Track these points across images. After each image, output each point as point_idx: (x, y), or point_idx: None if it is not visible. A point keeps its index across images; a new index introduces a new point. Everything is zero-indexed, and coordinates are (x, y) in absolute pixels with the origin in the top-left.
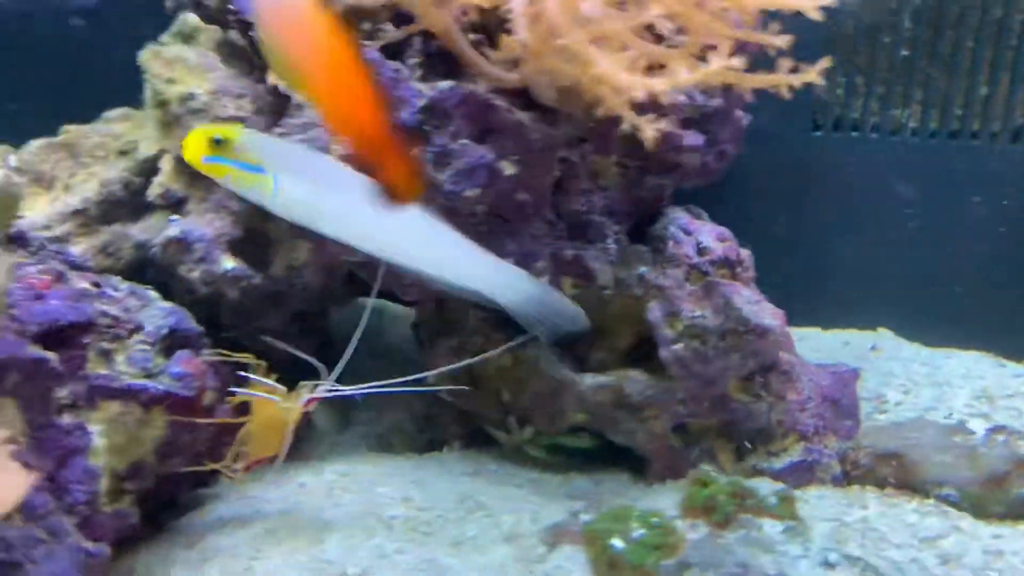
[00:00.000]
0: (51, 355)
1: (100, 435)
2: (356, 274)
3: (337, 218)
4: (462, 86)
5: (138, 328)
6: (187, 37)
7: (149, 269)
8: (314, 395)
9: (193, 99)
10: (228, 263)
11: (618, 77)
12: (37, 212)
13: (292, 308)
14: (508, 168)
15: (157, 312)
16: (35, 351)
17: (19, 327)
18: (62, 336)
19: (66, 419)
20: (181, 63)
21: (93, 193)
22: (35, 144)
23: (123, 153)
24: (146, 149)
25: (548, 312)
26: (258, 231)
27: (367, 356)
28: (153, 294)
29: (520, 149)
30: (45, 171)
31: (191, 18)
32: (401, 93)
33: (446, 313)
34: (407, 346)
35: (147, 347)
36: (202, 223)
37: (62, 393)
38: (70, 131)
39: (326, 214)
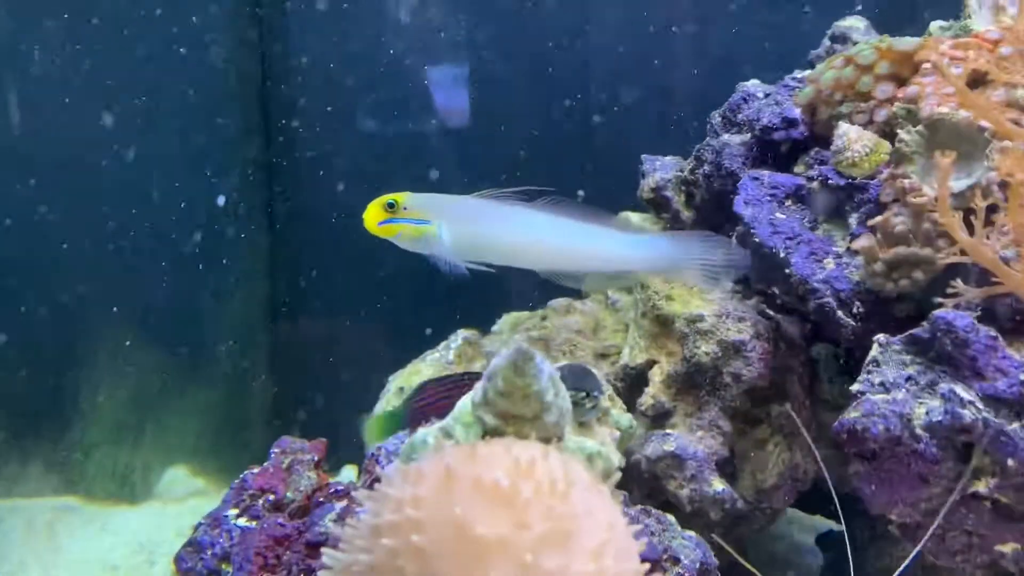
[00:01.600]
0: None
1: None
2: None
3: (494, 247)
4: None
5: (675, 559)
6: None
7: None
8: None
9: (702, 320)
10: (718, 485)
11: None
12: None
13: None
14: None
15: (687, 542)
16: None
17: None
18: None
19: None
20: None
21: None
22: (519, 338)
23: (602, 356)
24: (631, 357)
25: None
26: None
27: None
28: (670, 517)
29: None
30: None
31: (633, 217)
32: (996, 362)
33: None
34: None
35: None
36: (693, 440)
37: None
38: (547, 326)
39: (483, 246)
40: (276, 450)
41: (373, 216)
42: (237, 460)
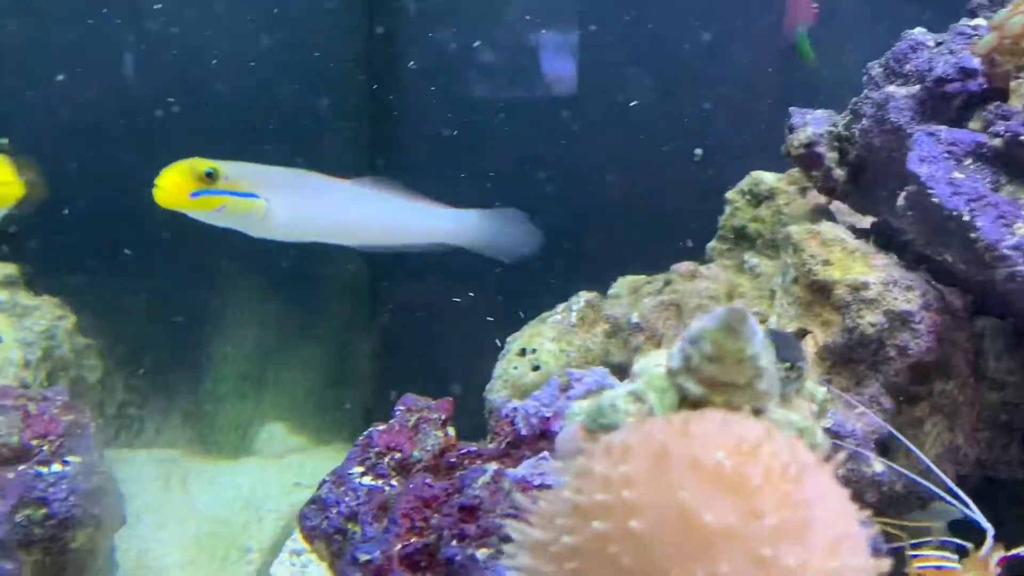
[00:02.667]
0: None
1: None
2: None
3: (323, 224)
4: None
5: None
6: (759, 198)
7: None
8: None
9: (867, 288)
10: (877, 466)
11: None
12: None
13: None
14: None
15: None
16: None
17: None
18: None
19: None
20: (839, 245)
21: None
22: (649, 302)
23: None
24: (780, 326)
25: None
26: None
27: None
28: None
29: None
30: (657, 327)
31: (766, 177)
32: None
33: None
34: None
35: None
36: (852, 417)
37: None
38: (677, 290)
39: (313, 224)
40: (401, 407)
41: (181, 185)
42: (336, 419)
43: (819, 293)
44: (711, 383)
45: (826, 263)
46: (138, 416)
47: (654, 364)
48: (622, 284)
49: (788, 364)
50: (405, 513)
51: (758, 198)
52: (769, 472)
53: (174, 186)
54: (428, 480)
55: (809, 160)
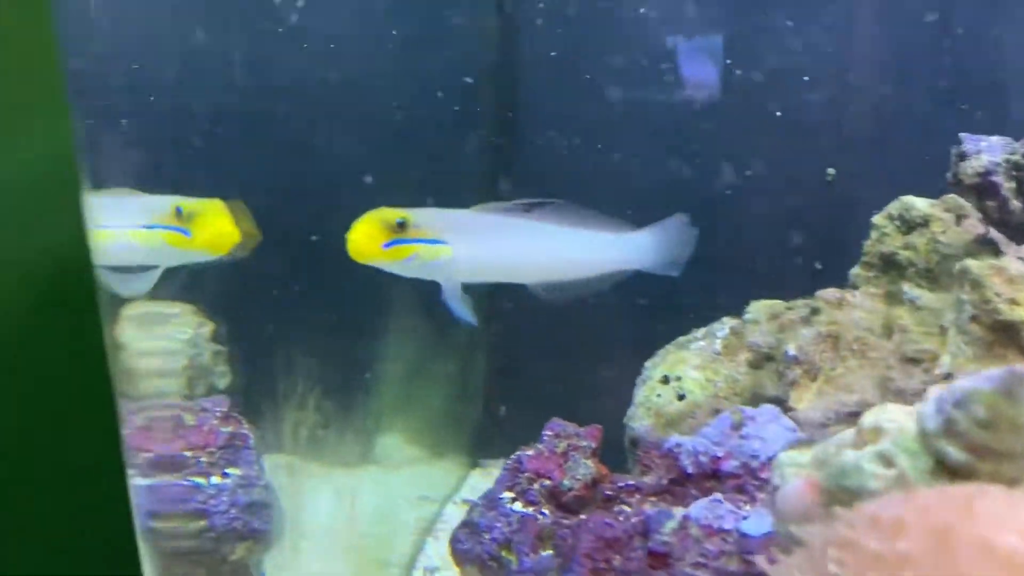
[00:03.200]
0: None
1: None
2: None
3: (505, 266)
4: None
5: None
6: (911, 224)
7: None
8: None
9: None
10: None
11: None
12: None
13: None
14: None
15: None
16: None
17: None
18: None
19: None
20: None
21: (868, 394)
22: (807, 333)
23: (911, 361)
24: (955, 366)
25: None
26: None
27: None
28: None
29: None
30: (815, 360)
31: (917, 203)
32: None
33: None
34: None
35: None
36: None
37: None
38: (834, 321)
39: (494, 266)
40: (549, 433)
41: (374, 237)
42: (450, 433)
43: (1003, 333)
44: (979, 450)
45: (1013, 302)
46: (304, 428)
47: (891, 419)
48: (759, 309)
49: None
50: (587, 553)
51: (909, 224)
52: None
53: (367, 238)
54: (608, 519)
55: (984, 189)
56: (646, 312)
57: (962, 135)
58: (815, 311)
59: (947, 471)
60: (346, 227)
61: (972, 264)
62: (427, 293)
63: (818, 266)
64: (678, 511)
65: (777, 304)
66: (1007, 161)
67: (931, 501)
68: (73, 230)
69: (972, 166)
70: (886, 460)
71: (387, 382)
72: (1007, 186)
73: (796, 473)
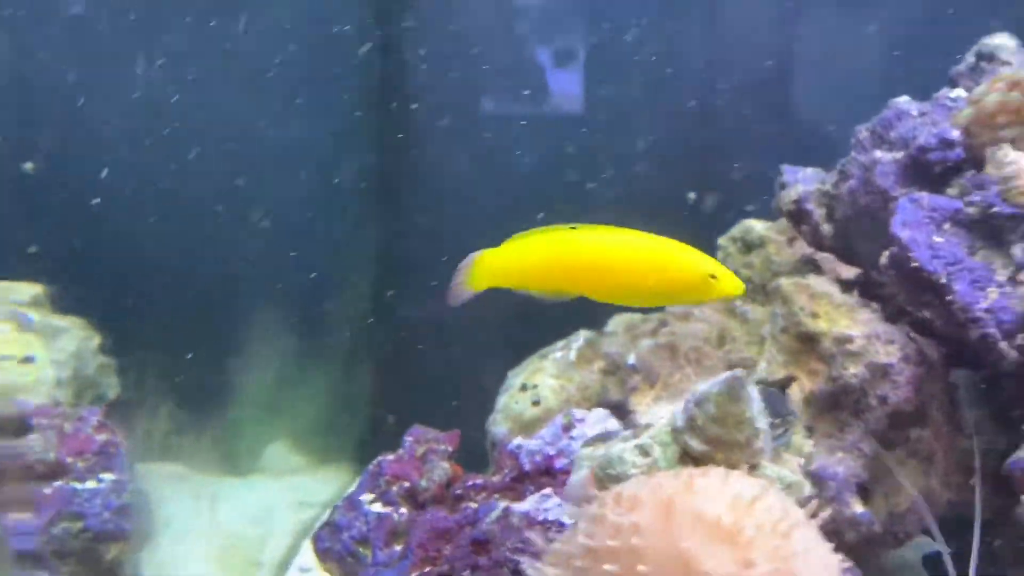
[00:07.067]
0: None
1: None
2: None
3: None
4: None
5: None
6: (750, 246)
7: None
8: None
9: (851, 341)
10: (857, 507)
11: None
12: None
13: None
14: None
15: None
16: None
17: None
18: None
19: None
20: (826, 299)
21: None
22: (646, 344)
23: (735, 367)
24: (769, 372)
25: None
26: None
27: None
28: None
29: None
30: (653, 368)
31: (756, 226)
32: None
33: None
34: None
35: None
36: (833, 461)
37: None
38: (672, 332)
39: None
40: (410, 438)
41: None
42: (337, 440)
43: (807, 343)
44: (713, 441)
45: (814, 315)
46: (164, 436)
47: (659, 418)
48: (619, 322)
49: (780, 419)
50: (421, 543)
51: (749, 245)
52: (762, 527)
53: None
54: (443, 513)
55: (799, 215)
56: (532, 323)
57: (783, 167)
58: (663, 323)
59: (691, 459)
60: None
61: (784, 282)
62: (303, 305)
63: None
64: (503, 503)
65: (635, 317)
66: (819, 190)
67: (664, 480)
68: None
69: (789, 195)
70: (644, 451)
71: (255, 391)
72: (818, 212)
73: (588, 465)
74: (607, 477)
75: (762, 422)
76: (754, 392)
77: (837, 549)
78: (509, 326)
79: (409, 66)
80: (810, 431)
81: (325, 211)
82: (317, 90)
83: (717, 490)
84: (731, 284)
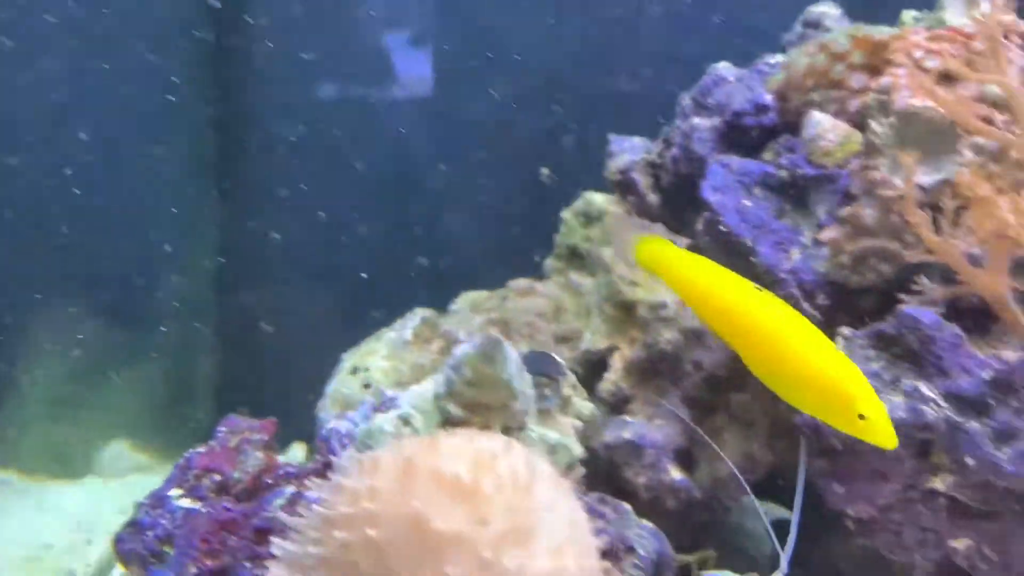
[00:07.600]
0: None
1: None
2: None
3: None
4: None
5: (630, 549)
6: (591, 218)
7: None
8: None
9: (664, 308)
10: (675, 474)
11: None
12: None
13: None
14: None
15: (643, 532)
16: None
17: None
18: None
19: None
20: None
21: None
22: (478, 320)
23: (564, 340)
24: (593, 342)
25: None
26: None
27: None
28: (627, 506)
29: None
30: None
31: (596, 198)
32: (961, 360)
33: None
34: None
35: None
36: (652, 428)
37: None
38: (508, 308)
39: None
40: (223, 429)
41: None
42: (181, 435)
43: (626, 311)
44: (471, 405)
45: (633, 284)
46: None
47: (428, 388)
48: (464, 300)
49: (546, 379)
50: (204, 537)
51: (589, 218)
52: (500, 483)
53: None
54: (227, 503)
55: (625, 186)
56: (381, 305)
57: (611, 136)
58: (505, 299)
59: (452, 426)
60: None
61: (605, 252)
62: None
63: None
64: (289, 488)
65: (481, 295)
66: (644, 160)
67: (408, 443)
68: None
69: (615, 164)
70: (405, 420)
71: (64, 387)
72: (644, 182)
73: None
74: (366, 450)
75: (522, 383)
76: (512, 353)
77: (659, 517)
78: (361, 307)
79: (250, 37)
80: (630, 399)
81: (152, 189)
82: (144, 57)
83: (461, 449)
84: (882, 433)
